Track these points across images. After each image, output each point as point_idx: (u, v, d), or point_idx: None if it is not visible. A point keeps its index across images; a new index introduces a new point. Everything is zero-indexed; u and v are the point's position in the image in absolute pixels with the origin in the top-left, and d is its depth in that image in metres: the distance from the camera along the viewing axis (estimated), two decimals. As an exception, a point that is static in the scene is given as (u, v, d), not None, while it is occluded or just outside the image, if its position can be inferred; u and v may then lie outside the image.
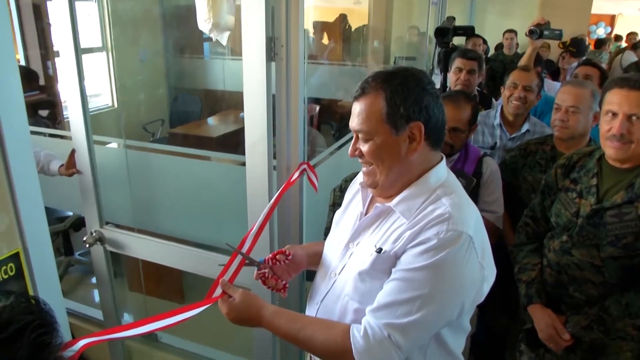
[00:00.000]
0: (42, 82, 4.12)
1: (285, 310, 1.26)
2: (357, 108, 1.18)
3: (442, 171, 1.24)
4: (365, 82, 1.18)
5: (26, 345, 0.61)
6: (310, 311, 1.37)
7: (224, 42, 1.57)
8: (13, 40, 1.19)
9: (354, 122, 1.19)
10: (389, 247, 1.16)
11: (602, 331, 1.68)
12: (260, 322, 1.22)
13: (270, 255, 1.38)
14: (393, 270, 1.14)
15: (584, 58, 4.61)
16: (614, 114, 1.59)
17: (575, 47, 4.81)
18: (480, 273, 1.14)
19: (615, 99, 1.59)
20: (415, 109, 1.15)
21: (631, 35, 8.27)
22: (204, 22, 1.49)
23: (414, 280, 1.09)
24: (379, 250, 1.17)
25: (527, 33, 2.77)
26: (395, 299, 1.10)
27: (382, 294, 1.13)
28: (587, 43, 6.69)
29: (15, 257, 1.13)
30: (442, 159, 1.26)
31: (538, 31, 2.72)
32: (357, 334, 1.11)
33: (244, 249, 1.40)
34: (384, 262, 1.16)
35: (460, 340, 1.29)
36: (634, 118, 1.56)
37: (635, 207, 1.59)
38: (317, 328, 1.19)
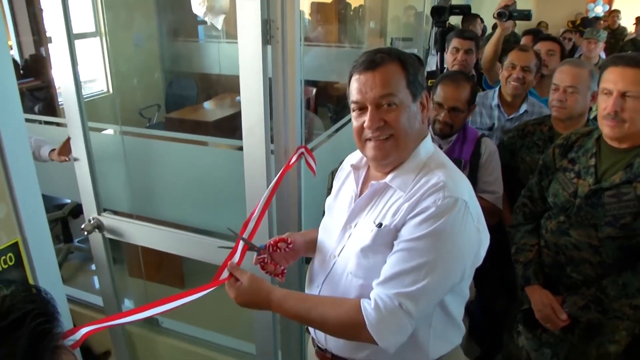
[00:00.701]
0: (35, 68, 4.08)
1: (293, 292, 1.29)
2: (377, 77, 1.17)
3: (429, 144, 1.28)
4: (375, 54, 1.19)
5: (26, 335, 0.61)
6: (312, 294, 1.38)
7: (219, 26, 1.55)
8: (5, 26, 1.17)
9: (375, 90, 1.17)
10: (389, 221, 1.19)
11: (600, 311, 1.69)
12: (270, 306, 1.23)
13: (272, 242, 1.39)
14: (395, 242, 1.16)
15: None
16: (610, 92, 1.59)
17: (586, 26, 4.78)
18: (477, 237, 1.19)
19: (610, 77, 1.59)
20: (422, 79, 1.24)
21: (614, 13, 8.14)
22: (198, 6, 1.47)
23: (417, 249, 1.12)
24: (379, 225, 1.20)
25: (495, 15, 2.71)
26: (401, 268, 1.13)
27: (388, 266, 1.16)
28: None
29: (14, 247, 1.12)
30: (428, 133, 1.30)
31: (507, 13, 2.67)
32: (368, 307, 1.14)
33: (247, 234, 1.41)
34: (385, 236, 1.18)
35: (461, 307, 1.33)
36: (628, 95, 1.55)
37: (634, 187, 1.59)
38: (327, 306, 1.21)
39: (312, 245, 1.46)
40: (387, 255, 1.18)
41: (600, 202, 1.65)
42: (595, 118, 1.81)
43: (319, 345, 1.42)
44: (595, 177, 1.68)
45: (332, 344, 1.35)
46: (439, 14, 2.51)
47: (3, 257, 1.12)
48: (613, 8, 9.62)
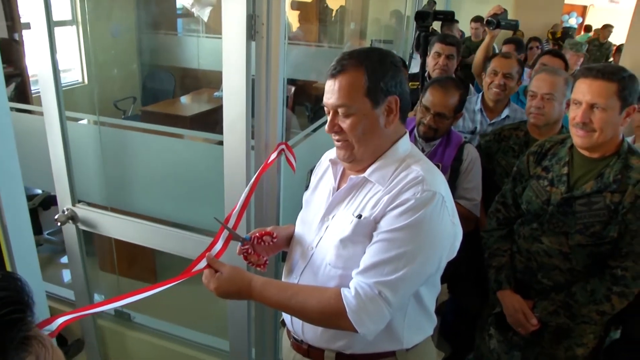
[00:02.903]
0: (7, 55, 3.95)
1: (274, 280, 1.31)
2: (336, 84, 1.21)
3: (407, 142, 1.32)
4: (343, 60, 1.22)
5: None
6: None
7: (205, 18, 1.54)
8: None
9: (333, 98, 1.22)
10: (368, 213, 1.22)
11: (568, 316, 1.73)
12: (251, 294, 1.24)
13: (258, 234, 1.41)
14: (374, 233, 1.20)
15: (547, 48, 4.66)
16: (580, 103, 1.63)
17: (564, 39, 4.92)
18: (453, 229, 1.24)
19: (580, 88, 1.63)
20: (392, 84, 1.23)
21: (608, 27, 8.35)
22: (185, -3, 1.45)
23: (396, 239, 1.15)
24: (359, 216, 1.23)
25: (484, 23, 2.80)
26: (381, 258, 1.16)
27: (368, 256, 1.19)
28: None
29: (-8, 236, 1.09)
30: (406, 132, 1.33)
31: (495, 21, 2.75)
32: (348, 294, 1.16)
33: (230, 226, 1.42)
34: (364, 227, 1.21)
35: (433, 298, 1.37)
36: (595, 107, 1.59)
37: (603, 196, 1.64)
38: (308, 294, 1.23)
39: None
40: (366, 246, 1.21)
41: (571, 210, 1.69)
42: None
43: (295, 336, 1.43)
44: (567, 185, 1.72)
45: (309, 335, 1.36)
46: (422, 18, 2.54)
47: (-20, 246, 1.09)
48: (587, 21, 9.89)
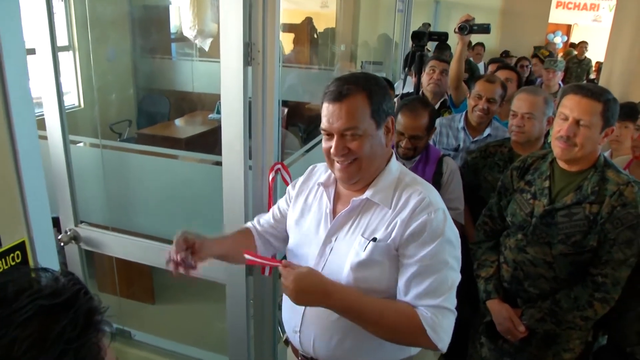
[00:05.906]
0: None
1: (350, 287, 1.30)
2: (343, 109, 1.25)
3: (396, 161, 1.40)
4: (344, 85, 1.26)
5: (83, 306, 0.68)
6: (295, 311, 1.41)
7: (207, 48, 1.63)
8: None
9: (340, 122, 1.25)
10: (382, 235, 1.28)
11: (554, 323, 1.80)
12: (330, 296, 1.23)
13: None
14: (406, 261, 1.27)
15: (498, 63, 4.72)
16: (566, 118, 1.73)
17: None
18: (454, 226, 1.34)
19: (568, 104, 1.73)
20: (389, 105, 1.32)
21: (582, 44, 8.59)
22: (189, 29, 1.55)
23: (434, 264, 1.25)
24: (374, 239, 1.29)
25: (457, 30, 2.82)
26: (431, 282, 1.24)
27: (417, 284, 1.26)
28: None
29: (21, 246, 1.18)
30: (392, 151, 1.41)
31: (467, 27, 2.78)
32: (425, 314, 1.23)
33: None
34: (382, 250, 1.28)
35: None
36: (581, 123, 1.69)
37: (583, 207, 1.72)
38: (385, 307, 1.27)
39: (225, 250, 1.48)
40: (384, 266, 1.29)
41: (553, 222, 1.77)
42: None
43: (304, 354, 1.45)
44: (549, 198, 1.80)
45: (322, 351, 1.39)
46: (418, 38, 2.65)
47: (11, 255, 1.18)
48: (572, 39, 10.11)
